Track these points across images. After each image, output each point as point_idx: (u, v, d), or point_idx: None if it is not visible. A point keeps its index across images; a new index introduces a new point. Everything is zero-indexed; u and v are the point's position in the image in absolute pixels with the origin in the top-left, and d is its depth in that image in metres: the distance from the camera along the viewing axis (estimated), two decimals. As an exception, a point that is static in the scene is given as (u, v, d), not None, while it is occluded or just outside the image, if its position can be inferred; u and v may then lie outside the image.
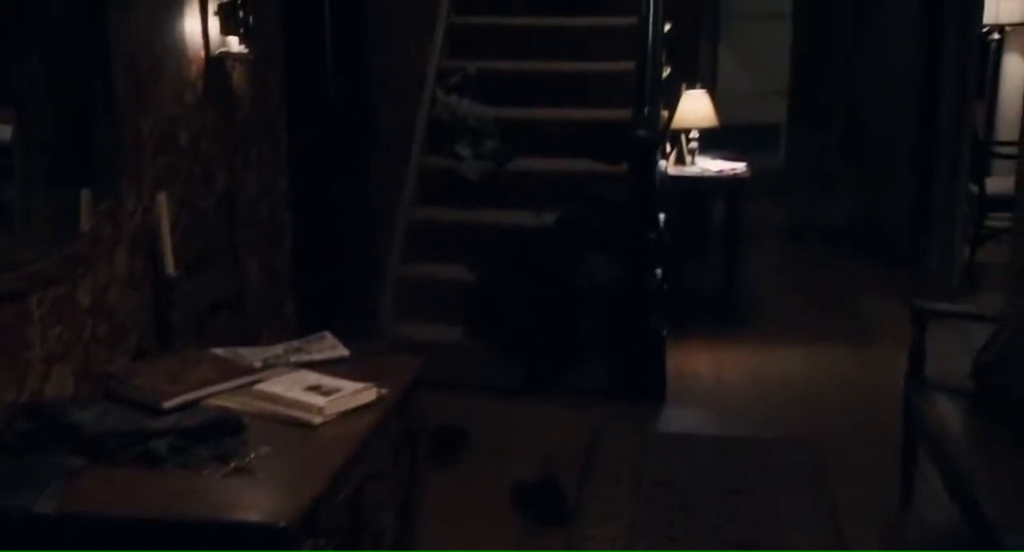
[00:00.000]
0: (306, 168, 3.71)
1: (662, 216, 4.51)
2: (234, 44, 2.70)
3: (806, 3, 8.01)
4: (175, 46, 2.52)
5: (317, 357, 2.47)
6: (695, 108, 5.19)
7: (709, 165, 5.25)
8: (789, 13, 8.12)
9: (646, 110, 4.22)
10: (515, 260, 4.47)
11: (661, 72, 4.71)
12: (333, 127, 3.96)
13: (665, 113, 5.00)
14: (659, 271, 4.30)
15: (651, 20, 4.38)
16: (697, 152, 5.28)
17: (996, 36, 6.27)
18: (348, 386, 2.22)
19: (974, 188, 5.82)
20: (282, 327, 3.27)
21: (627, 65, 4.54)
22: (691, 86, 5.34)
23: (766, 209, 7.32)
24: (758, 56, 8.37)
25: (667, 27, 4.98)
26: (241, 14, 2.65)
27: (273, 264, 3.20)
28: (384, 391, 2.26)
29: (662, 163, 4.88)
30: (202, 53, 2.64)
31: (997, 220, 6.01)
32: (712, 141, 5.45)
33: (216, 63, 2.70)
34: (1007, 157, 6.29)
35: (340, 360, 2.48)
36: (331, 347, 2.53)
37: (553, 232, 4.51)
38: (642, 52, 4.34)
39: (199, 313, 2.64)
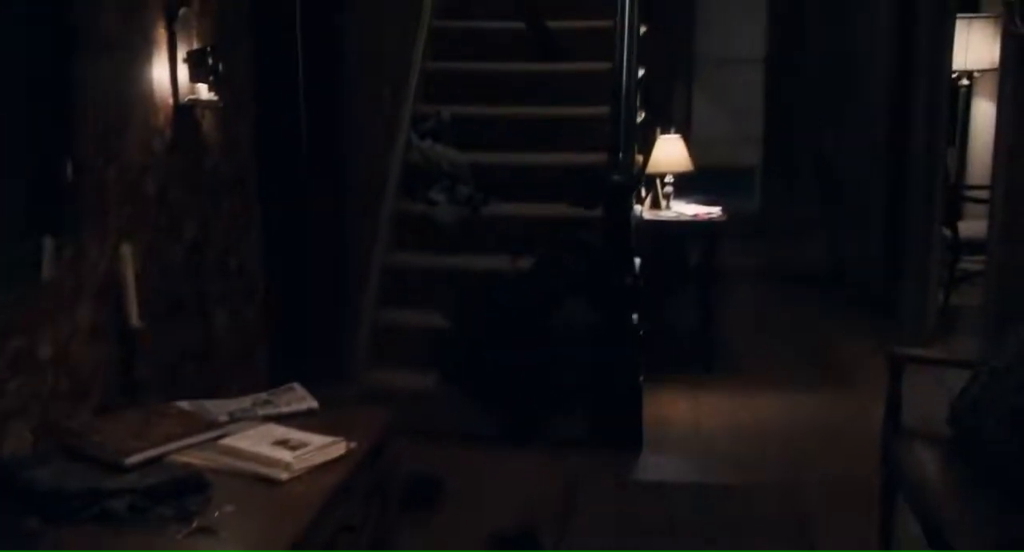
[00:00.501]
0: (279, 216, 3.68)
1: (638, 260, 4.50)
2: (204, 92, 2.67)
3: (778, 48, 8.10)
4: (143, 93, 2.49)
5: (285, 410, 2.42)
6: (670, 153, 5.20)
7: (684, 209, 5.25)
8: (762, 58, 8.22)
9: (621, 155, 4.22)
10: (491, 306, 4.43)
11: (636, 117, 4.73)
12: (306, 173, 3.93)
13: (640, 158, 5.01)
14: (635, 316, 4.27)
15: (625, 65, 4.40)
16: (672, 196, 5.29)
17: (965, 82, 6.34)
18: (316, 440, 2.17)
19: (947, 232, 5.85)
20: (252, 378, 3.21)
21: (602, 110, 4.55)
22: (666, 131, 5.36)
23: (742, 252, 7.33)
24: (733, 100, 8.44)
25: (641, 72, 5.01)
26: (211, 61, 2.62)
27: (244, 314, 3.15)
28: (353, 445, 2.21)
29: (638, 207, 4.88)
30: (171, 101, 2.61)
31: (970, 262, 6.05)
32: (688, 184, 5.47)
33: (185, 111, 2.67)
34: (979, 201, 6.34)
35: (309, 412, 2.43)
36: (300, 399, 2.48)
37: (529, 277, 4.47)
38: (616, 97, 4.35)
39: (165, 365, 2.58)
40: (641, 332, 4.28)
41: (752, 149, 8.30)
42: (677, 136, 5.28)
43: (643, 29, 5.07)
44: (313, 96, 3.99)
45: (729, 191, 8.19)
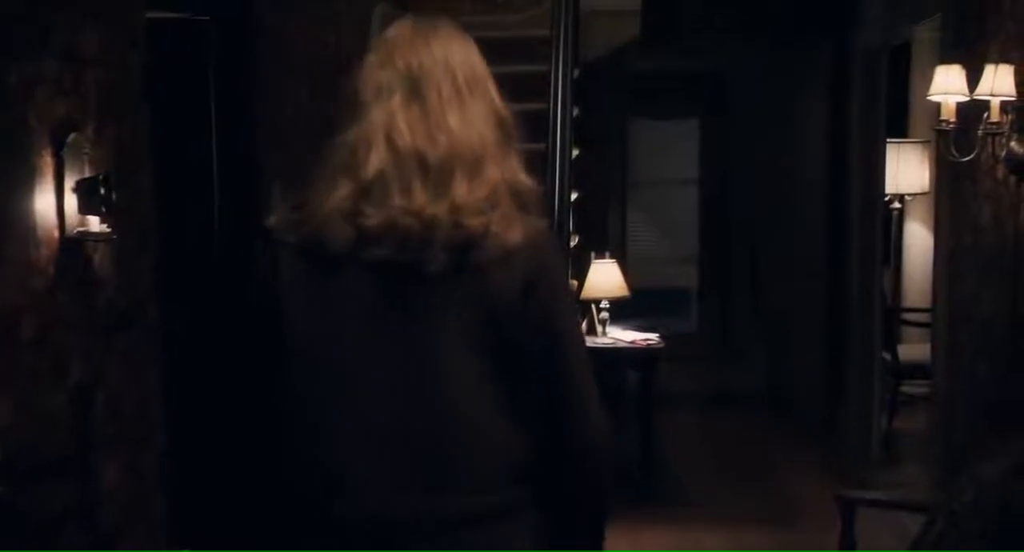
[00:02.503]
0: (189, 350, 3.41)
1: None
2: (95, 223, 2.44)
3: (712, 169, 8.14)
4: (20, 227, 2.25)
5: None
6: (605, 277, 5.06)
7: (621, 335, 5.09)
8: (696, 179, 8.25)
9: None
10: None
11: (569, 241, 4.59)
12: (222, 298, 3.69)
13: (575, 283, 4.85)
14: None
15: (556, 188, 4.28)
16: (608, 322, 5.12)
17: (897, 205, 6.36)
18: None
19: (886, 355, 5.76)
20: (150, 532, 2.89)
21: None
22: (600, 255, 5.23)
23: (680, 376, 7.17)
24: (668, 221, 8.43)
25: (574, 195, 4.89)
26: (103, 191, 2.40)
27: (139, 464, 2.85)
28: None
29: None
30: (56, 234, 2.36)
31: (911, 385, 5.95)
32: (624, 305, 5.32)
33: (72, 245, 2.42)
34: (916, 324, 6.28)
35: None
36: (191, 569, 2.19)
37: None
38: (548, 221, 4.20)
39: (37, 530, 2.27)
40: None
41: (688, 270, 8.24)
42: (612, 260, 5.15)
43: (575, 152, 4.98)
44: (230, 219, 3.78)
45: (666, 312, 8.12)
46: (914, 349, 5.91)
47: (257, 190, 3.98)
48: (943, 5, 4.07)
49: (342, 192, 1.52)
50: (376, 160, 1.50)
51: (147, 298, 2.89)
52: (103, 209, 2.42)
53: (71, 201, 2.40)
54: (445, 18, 1.65)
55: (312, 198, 1.56)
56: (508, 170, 1.56)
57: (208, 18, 3.71)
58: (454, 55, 1.57)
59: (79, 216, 2.42)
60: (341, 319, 1.51)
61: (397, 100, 1.54)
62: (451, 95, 1.54)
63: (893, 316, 6.08)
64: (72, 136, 2.42)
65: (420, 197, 1.47)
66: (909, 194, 6.27)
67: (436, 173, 1.48)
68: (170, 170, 3.46)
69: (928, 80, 6.48)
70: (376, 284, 1.49)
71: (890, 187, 5.84)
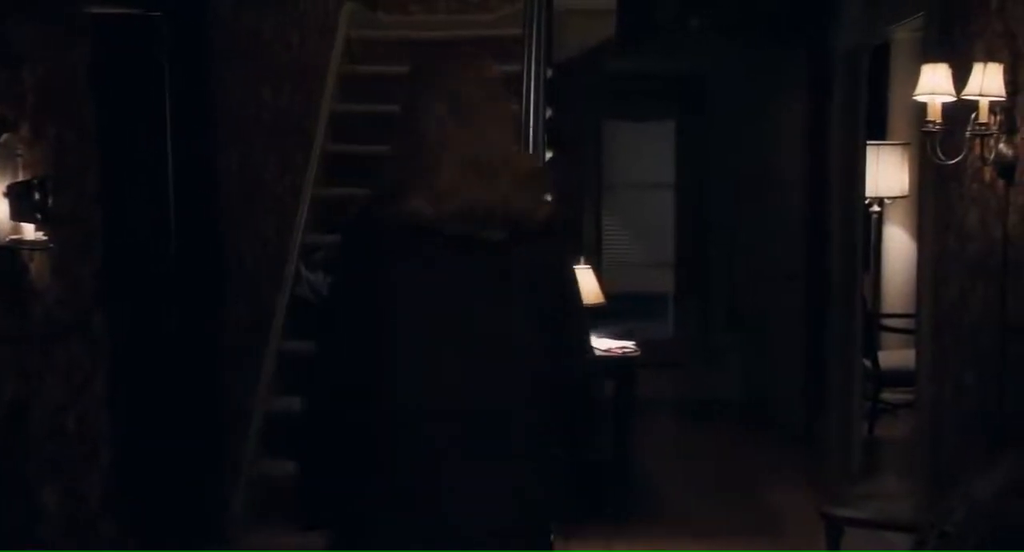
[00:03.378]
0: (137, 362, 3.24)
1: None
2: (30, 231, 2.27)
3: (689, 173, 8.02)
4: (-56, 235, 2.08)
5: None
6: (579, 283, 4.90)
7: (596, 343, 4.92)
8: (673, 183, 8.12)
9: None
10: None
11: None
12: (172, 313, 3.52)
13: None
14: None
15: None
16: (583, 330, 4.97)
17: (876, 208, 6.25)
18: None
19: (867, 362, 5.64)
20: (95, 558, 2.71)
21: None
22: (575, 261, 5.07)
23: (656, 382, 7.02)
24: (644, 226, 8.29)
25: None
26: (38, 196, 2.23)
27: (82, 485, 2.67)
28: None
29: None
30: (-15, 242, 2.19)
31: (892, 393, 5.84)
32: (599, 312, 5.17)
33: (5, 254, 2.26)
34: (896, 330, 6.17)
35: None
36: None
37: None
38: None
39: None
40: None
41: (665, 275, 8.10)
42: (587, 267, 5.00)
43: (549, 154, 4.82)
44: (185, 227, 3.61)
45: (642, 316, 7.98)
46: (895, 356, 5.80)
47: (215, 190, 3.81)
48: (926, 3, 3.95)
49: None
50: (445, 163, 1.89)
51: (91, 308, 2.72)
52: (38, 216, 2.25)
53: (3, 207, 2.23)
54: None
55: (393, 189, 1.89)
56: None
57: (161, 13, 3.55)
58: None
59: (12, 223, 2.25)
60: (430, 287, 1.86)
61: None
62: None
63: (872, 321, 5.96)
64: (4, 136, 2.25)
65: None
66: (889, 197, 6.17)
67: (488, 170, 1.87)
68: (120, 172, 3.29)
69: (908, 81, 6.41)
70: (455, 253, 1.85)
71: (869, 190, 5.73)
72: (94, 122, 2.76)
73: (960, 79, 3.22)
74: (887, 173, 6.06)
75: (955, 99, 3.23)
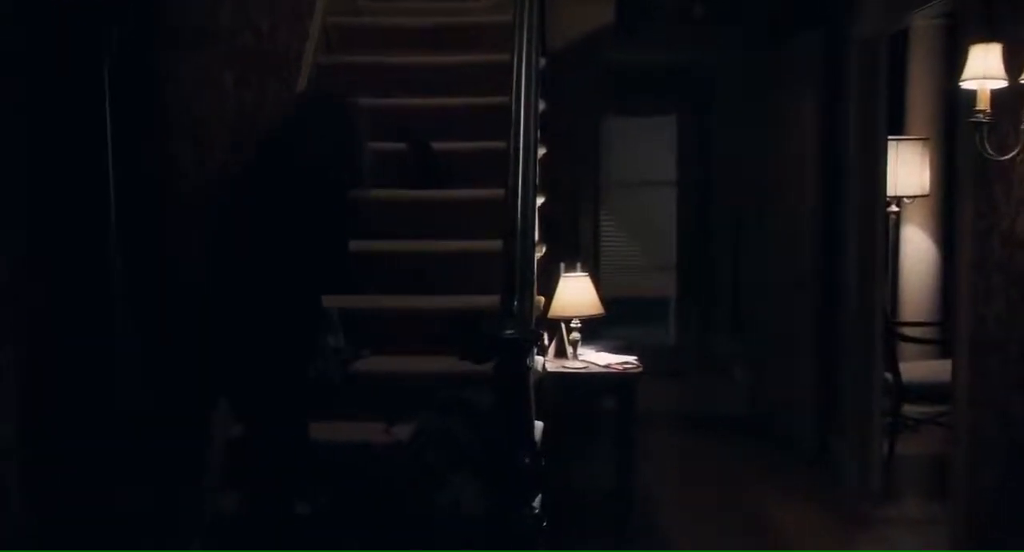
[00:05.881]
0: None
1: (540, 425, 3.74)
2: None
3: (691, 170, 7.58)
4: None
5: None
6: (576, 294, 4.48)
7: (594, 358, 4.51)
8: (674, 180, 7.68)
9: (516, 303, 3.45)
10: (358, 487, 3.61)
11: (534, 254, 3.98)
12: (114, 331, 3.10)
13: (541, 299, 4.27)
14: (537, 501, 3.45)
15: (520, 192, 3.68)
16: (580, 343, 4.54)
17: (894, 208, 5.82)
18: None
19: (887, 375, 5.22)
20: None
21: (495, 244, 3.80)
22: (571, 267, 4.65)
23: (657, 393, 6.60)
24: (644, 226, 7.85)
25: (541, 200, 4.31)
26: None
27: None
28: None
29: (539, 359, 4.13)
30: None
31: (913, 406, 5.43)
32: (597, 321, 4.76)
33: None
34: (915, 340, 5.75)
35: None
36: None
37: (407, 450, 3.66)
38: (510, 231, 3.60)
39: None
40: (545, 522, 3.46)
41: (666, 278, 7.67)
42: (584, 274, 4.57)
43: (542, 151, 4.40)
44: (129, 237, 3.19)
45: (642, 322, 7.57)
46: (918, 368, 5.39)
47: (164, 193, 3.39)
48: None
49: None
50: None
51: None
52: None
53: None
54: None
55: None
56: None
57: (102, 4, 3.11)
58: None
59: None
60: None
61: None
62: None
63: (891, 330, 5.53)
64: None
65: None
66: (908, 196, 5.75)
67: None
68: (53, 176, 2.88)
69: (927, 72, 6.03)
70: None
71: (887, 189, 5.31)
72: (23, 125, 2.33)
73: (1012, 63, 2.80)
74: (906, 170, 5.65)
75: (1008, 85, 2.80)
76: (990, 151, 2.91)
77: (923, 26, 5.81)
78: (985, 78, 2.80)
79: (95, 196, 3.11)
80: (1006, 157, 2.89)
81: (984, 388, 3.41)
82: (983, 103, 2.83)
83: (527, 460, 3.40)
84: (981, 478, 3.47)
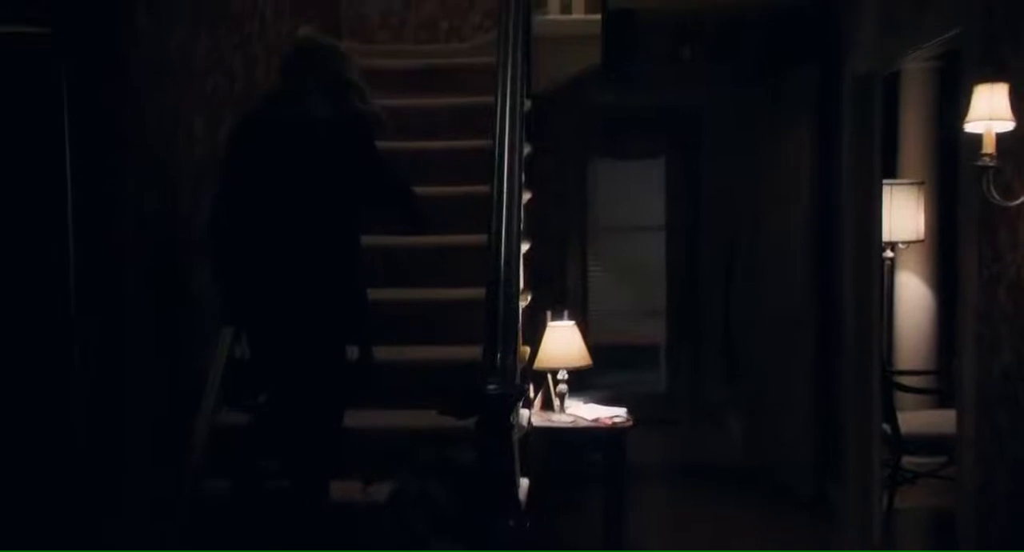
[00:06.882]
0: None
1: (525, 483, 3.57)
2: None
3: (680, 214, 7.45)
4: None
5: None
6: (563, 343, 4.30)
7: (582, 411, 4.32)
8: (663, 224, 7.54)
9: (499, 357, 3.27)
10: (334, 550, 3.41)
11: (518, 304, 3.82)
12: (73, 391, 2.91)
13: (527, 350, 4.10)
14: (522, 566, 3.26)
15: (503, 238, 3.52)
16: (567, 395, 4.36)
17: (889, 254, 5.68)
18: None
19: (885, 426, 5.04)
20: None
21: (478, 292, 3.63)
22: (557, 315, 4.48)
23: (647, 443, 6.40)
24: (633, 272, 7.69)
25: (526, 246, 4.15)
26: None
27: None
28: None
29: (524, 413, 3.94)
30: None
31: (912, 457, 5.25)
32: (585, 374, 4.59)
33: None
34: (912, 390, 5.58)
35: None
36: None
37: (384, 512, 3.47)
38: (493, 279, 3.44)
39: None
40: (530, 589, 3.26)
41: (656, 324, 7.49)
42: (570, 323, 4.39)
43: (527, 195, 4.25)
44: (86, 286, 3.01)
45: (632, 368, 7.39)
46: (916, 419, 5.22)
47: (128, 241, 3.21)
48: (963, 17, 3.38)
49: None
50: None
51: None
52: None
53: None
54: None
55: None
56: None
57: (59, 29, 2.95)
58: None
59: None
60: None
61: None
62: None
63: (887, 379, 5.36)
64: None
65: None
66: (903, 241, 5.60)
67: None
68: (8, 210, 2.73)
69: (920, 114, 5.92)
70: None
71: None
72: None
73: (1017, 104, 2.67)
74: (901, 215, 5.51)
75: (1015, 127, 2.66)
76: (996, 196, 2.76)
77: (915, 69, 5.72)
78: (991, 119, 2.66)
79: (52, 243, 2.94)
80: (1014, 203, 2.74)
81: (992, 442, 3.24)
82: (989, 146, 2.69)
83: (511, 522, 3.23)
84: (988, 534, 3.29)
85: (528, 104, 4.48)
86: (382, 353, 3.93)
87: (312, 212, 3.16)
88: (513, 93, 3.98)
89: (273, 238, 3.15)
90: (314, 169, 3.15)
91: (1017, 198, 2.74)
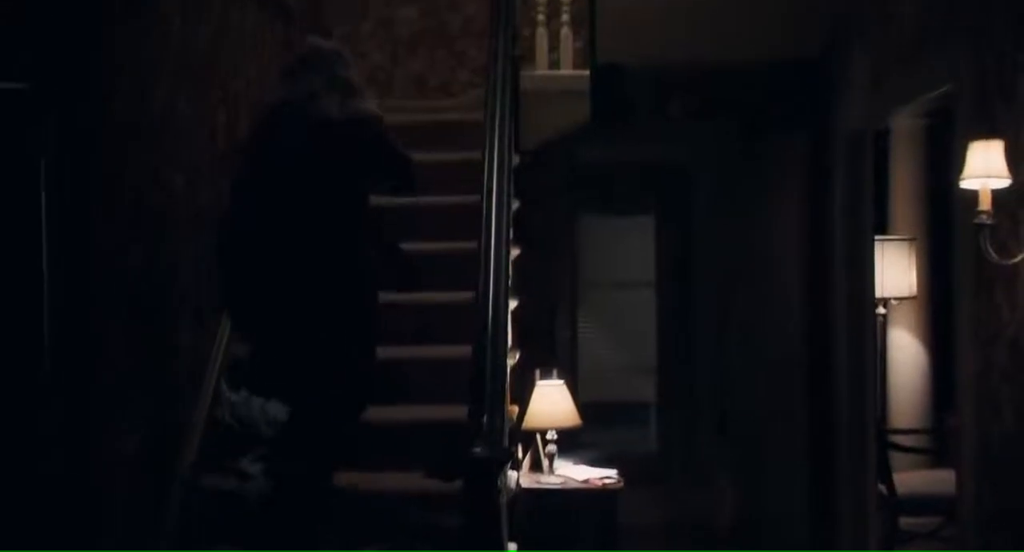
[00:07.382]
0: None
1: (513, 548, 3.45)
2: None
3: (670, 271, 7.39)
4: None
5: None
6: (552, 402, 4.21)
7: (572, 472, 4.22)
8: (653, 280, 7.48)
9: (486, 418, 3.17)
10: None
11: (506, 363, 3.72)
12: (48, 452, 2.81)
13: (515, 409, 4.00)
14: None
15: (491, 295, 3.44)
16: (557, 455, 4.25)
17: (881, 310, 5.62)
18: None
19: (881, 487, 4.94)
20: None
21: (464, 351, 3.54)
22: (546, 373, 4.39)
23: (638, 504, 6.26)
24: (623, 329, 7.60)
25: (514, 303, 4.07)
26: None
27: None
28: None
29: (512, 475, 3.84)
30: None
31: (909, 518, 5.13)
32: (574, 435, 4.48)
33: None
34: (906, 449, 5.49)
35: None
36: None
37: (368, 579, 3.34)
38: (480, 338, 3.35)
39: None
40: None
41: (647, 382, 7.39)
42: (560, 382, 4.31)
43: (516, 251, 4.18)
44: (62, 348, 2.92)
45: (623, 426, 7.27)
46: (913, 479, 5.12)
47: (106, 299, 3.13)
48: (955, 74, 3.35)
49: None
50: None
51: None
52: None
53: None
54: None
55: None
56: None
57: (35, 85, 2.90)
58: None
59: None
60: None
61: None
62: None
63: (882, 439, 5.26)
64: None
65: None
66: (896, 298, 5.55)
67: None
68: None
69: (910, 171, 5.90)
70: None
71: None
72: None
73: (1012, 160, 2.62)
74: (893, 271, 5.46)
75: (1011, 184, 2.61)
76: (993, 254, 2.71)
77: (905, 126, 5.71)
78: (988, 177, 2.61)
79: (26, 298, 2.86)
80: (1013, 261, 2.69)
81: (997, 509, 3.15)
82: (985, 203, 2.64)
83: (499, 594, 3.11)
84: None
85: (517, 159, 4.44)
86: (370, 415, 3.83)
87: (332, 211, 3.24)
88: (501, 149, 3.93)
89: (292, 239, 3.17)
90: (335, 167, 3.23)
91: (1013, 256, 2.68)
